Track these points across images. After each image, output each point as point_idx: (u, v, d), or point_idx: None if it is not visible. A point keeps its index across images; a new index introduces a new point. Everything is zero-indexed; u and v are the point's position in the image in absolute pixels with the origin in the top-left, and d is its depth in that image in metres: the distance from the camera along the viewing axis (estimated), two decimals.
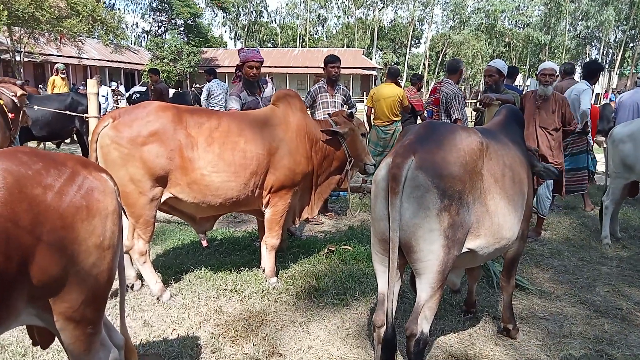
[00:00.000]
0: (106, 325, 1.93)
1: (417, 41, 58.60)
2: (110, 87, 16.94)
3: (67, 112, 6.02)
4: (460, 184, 2.18)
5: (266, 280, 3.74)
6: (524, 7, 48.72)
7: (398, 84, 7.00)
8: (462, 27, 50.04)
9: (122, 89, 23.22)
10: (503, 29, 48.06)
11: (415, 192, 2.12)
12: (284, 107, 3.79)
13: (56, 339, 1.75)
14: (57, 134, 7.86)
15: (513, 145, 2.71)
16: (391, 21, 57.07)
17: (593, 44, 48.97)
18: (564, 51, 46.49)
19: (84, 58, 28.32)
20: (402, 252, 2.22)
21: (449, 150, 2.22)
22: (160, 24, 45.66)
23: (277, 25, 58.67)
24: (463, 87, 44.61)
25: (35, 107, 4.50)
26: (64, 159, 1.67)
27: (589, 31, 46.61)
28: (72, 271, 1.57)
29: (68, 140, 9.71)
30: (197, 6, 40.98)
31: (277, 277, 3.81)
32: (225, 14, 51.51)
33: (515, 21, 49.72)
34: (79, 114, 6.00)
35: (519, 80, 46.26)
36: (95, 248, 1.62)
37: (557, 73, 5.00)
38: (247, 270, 3.94)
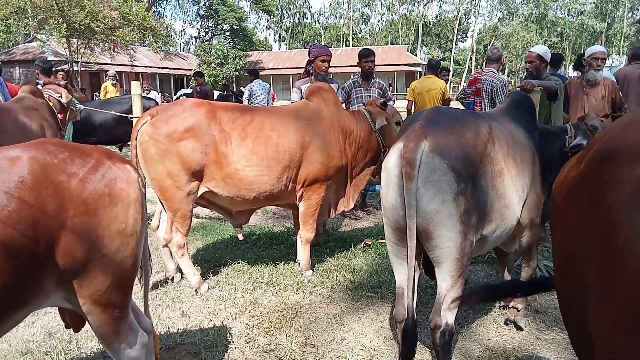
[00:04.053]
0: (134, 311, 1.99)
1: (463, 35, 57.22)
2: (159, 92, 17.59)
3: (113, 113, 6.29)
4: (473, 167, 2.12)
5: (301, 274, 3.75)
6: None
7: (439, 77, 6.84)
8: (511, 18, 48.45)
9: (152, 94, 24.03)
10: (555, 18, 46.05)
11: (432, 176, 2.06)
12: (317, 101, 3.80)
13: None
14: (118, 137, 8.20)
15: (516, 129, 2.62)
16: (436, 16, 56.02)
17: None
18: (622, 39, 44.02)
19: (136, 66, 29.42)
20: (418, 240, 2.16)
21: (461, 134, 2.16)
22: (207, 29, 46.97)
23: (321, 26, 58.91)
24: (513, 81, 43.05)
25: (82, 106, 4.71)
26: (90, 150, 1.74)
27: None
28: (96, 256, 1.63)
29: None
30: (242, 10, 41.87)
31: (313, 270, 3.82)
32: (269, 17, 52.37)
33: (568, 9, 47.56)
34: (124, 114, 6.25)
35: (571, 72, 44.13)
36: (118, 234, 1.67)
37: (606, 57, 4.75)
38: (284, 264, 3.96)
